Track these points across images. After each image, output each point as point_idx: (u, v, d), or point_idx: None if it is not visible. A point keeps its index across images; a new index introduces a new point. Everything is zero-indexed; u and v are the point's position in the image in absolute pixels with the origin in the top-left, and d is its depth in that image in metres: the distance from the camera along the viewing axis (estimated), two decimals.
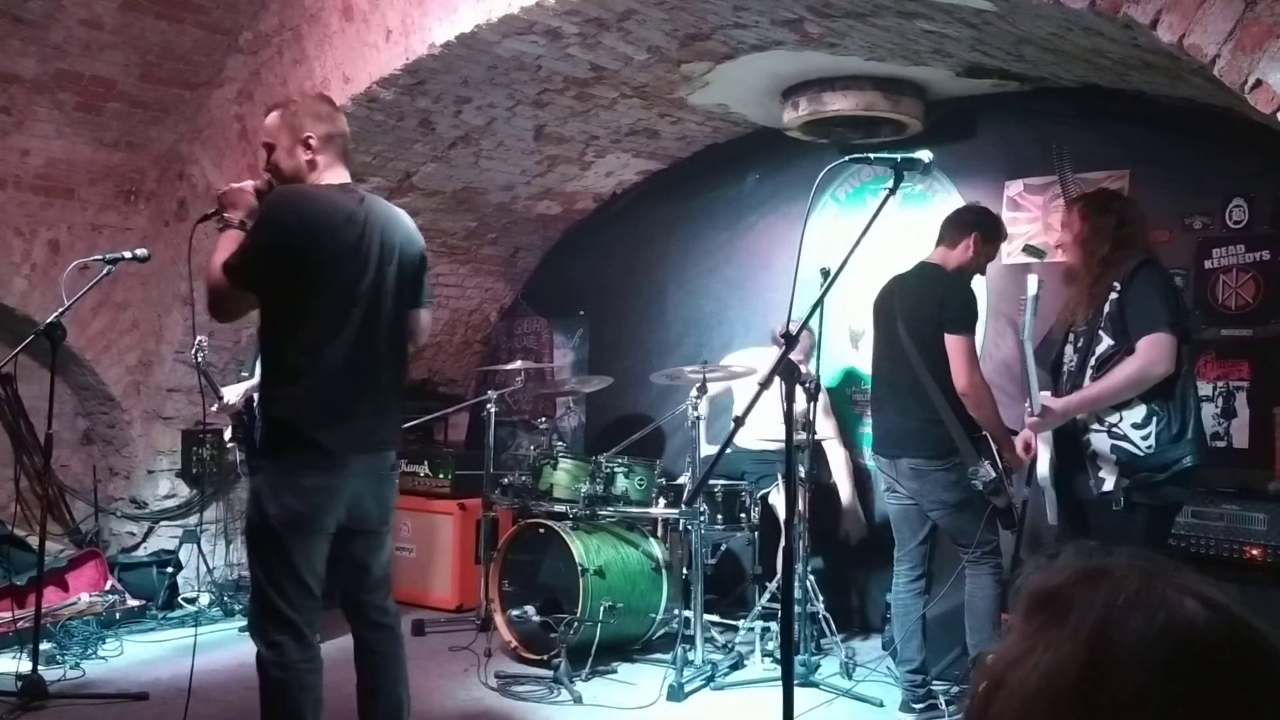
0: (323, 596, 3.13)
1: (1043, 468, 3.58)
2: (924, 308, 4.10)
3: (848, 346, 5.70)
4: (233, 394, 4.94)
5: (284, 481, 3.04)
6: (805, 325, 4.99)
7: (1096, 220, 3.54)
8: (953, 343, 4.01)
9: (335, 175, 3.17)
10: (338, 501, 3.07)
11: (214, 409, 4.98)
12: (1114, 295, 3.42)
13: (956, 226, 4.24)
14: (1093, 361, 3.47)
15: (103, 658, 5.01)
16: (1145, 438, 3.36)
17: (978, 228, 4.21)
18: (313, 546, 3.06)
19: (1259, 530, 3.91)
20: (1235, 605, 0.79)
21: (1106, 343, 3.44)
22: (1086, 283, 3.53)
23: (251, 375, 5.08)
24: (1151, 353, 3.30)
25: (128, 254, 4.52)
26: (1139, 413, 3.37)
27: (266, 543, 3.06)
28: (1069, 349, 3.62)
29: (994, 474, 3.89)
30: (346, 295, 3.04)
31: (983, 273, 4.34)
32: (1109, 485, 3.38)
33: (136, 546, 6.23)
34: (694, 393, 4.94)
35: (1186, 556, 3.67)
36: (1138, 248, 3.51)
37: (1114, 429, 3.40)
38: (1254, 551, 3.91)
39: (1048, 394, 3.52)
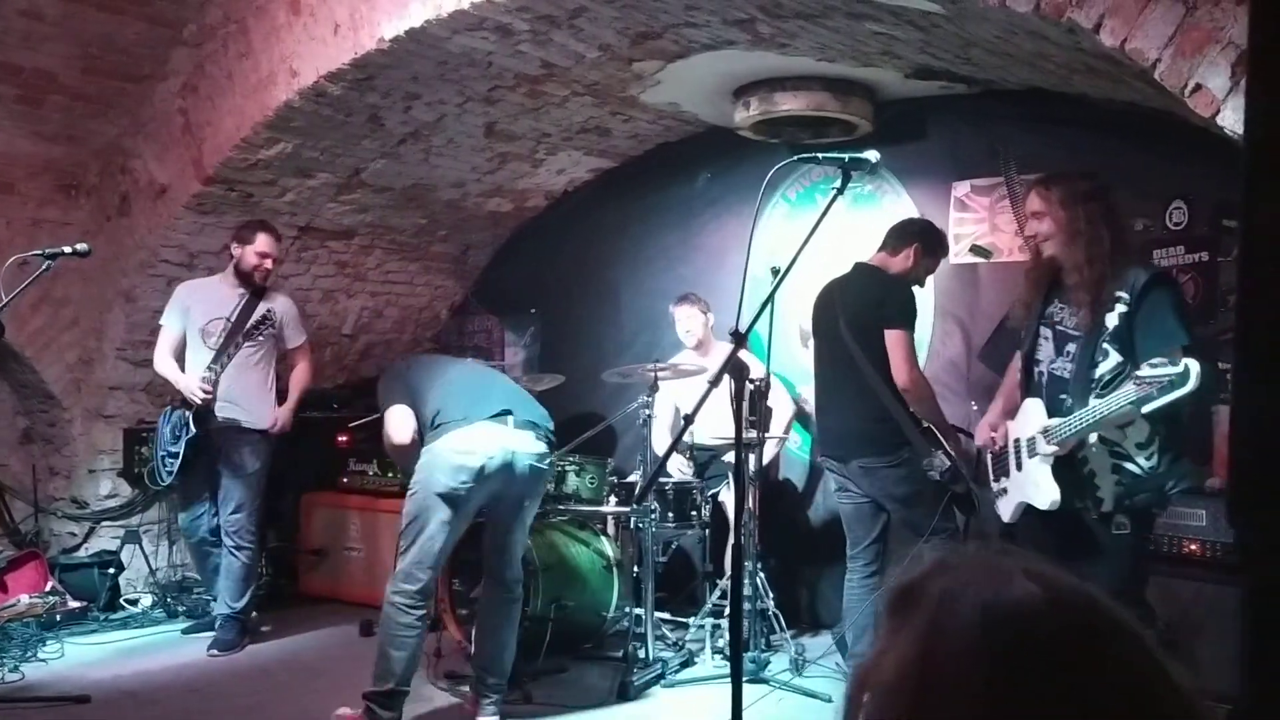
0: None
1: (1049, 488, 3.31)
2: (865, 306, 4.16)
3: (797, 346, 5.73)
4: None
5: None
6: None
7: (1086, 207, 3.30)
8: (892, 337, 4.07)
9: None
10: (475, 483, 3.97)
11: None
12: (1121, 309, 3.22)
13: (900, 236, 4.34)
14: (1096, 375, 3.26)
15: (43, 660, 4.91)
16: (1149, 457, 3.24)
17: (920, 239, 4.31)
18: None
19: (1197, 526, 3.99)
20: (1071, 582, 0.79)
21: (1113, 359, 3.25)
22: (1090, 280, 3.26)
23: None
24: None
25: (67, 249, 4.43)
26: (1142, 432, 3.23)
27: None
28: (1045, 346, 3.45)
29: (949, 462, 3.95)
30: None
31: (921, 284, 4.40)
32: (1108, 505, 3.25)
33: (77, 547, 6.12)
34: (644, 397, 4.95)
35: None
36: (1128, 243, 3.33)
37: (1116, 449, 3.26)
38: (1193, 547, 4.00)
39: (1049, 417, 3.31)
